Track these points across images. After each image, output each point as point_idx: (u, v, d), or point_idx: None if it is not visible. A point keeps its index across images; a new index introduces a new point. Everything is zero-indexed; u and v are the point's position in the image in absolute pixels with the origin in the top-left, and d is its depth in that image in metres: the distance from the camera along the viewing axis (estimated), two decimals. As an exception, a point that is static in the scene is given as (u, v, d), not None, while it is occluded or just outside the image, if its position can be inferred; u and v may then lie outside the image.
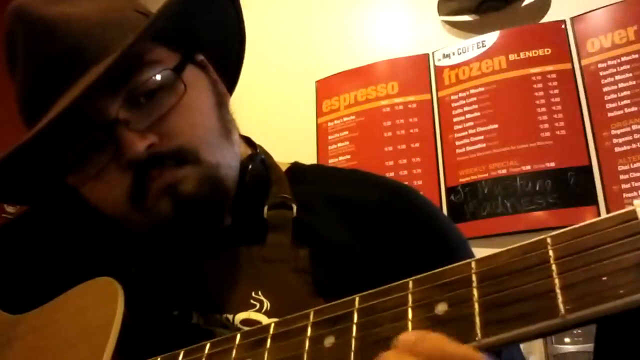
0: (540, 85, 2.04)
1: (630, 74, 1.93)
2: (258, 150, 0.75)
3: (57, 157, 0.62)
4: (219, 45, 0.71)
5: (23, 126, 0.66)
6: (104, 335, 0.56)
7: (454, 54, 2.20)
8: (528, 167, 1.97)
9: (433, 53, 2.24)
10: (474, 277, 0.39)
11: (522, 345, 0.72)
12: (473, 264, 0.40)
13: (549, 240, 0.38)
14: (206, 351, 0.50)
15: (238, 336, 0.49)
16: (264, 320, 0.59)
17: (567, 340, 1.64)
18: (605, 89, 1.95)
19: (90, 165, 0.61)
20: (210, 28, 0.69)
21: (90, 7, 0.62)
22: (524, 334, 0.36)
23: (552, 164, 1.95)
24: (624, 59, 1.95)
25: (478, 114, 2.10)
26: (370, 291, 0.44)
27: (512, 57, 2.11)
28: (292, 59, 2.49)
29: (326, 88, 2.39)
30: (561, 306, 0.35)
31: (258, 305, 0.60)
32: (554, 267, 0.37)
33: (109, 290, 0.60)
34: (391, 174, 2.12)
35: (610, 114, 1.92)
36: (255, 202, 0.67)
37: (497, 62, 2.12)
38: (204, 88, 0.67)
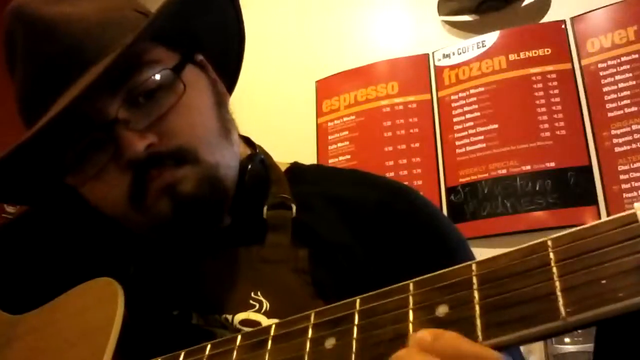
0: (540, 85, 2.04)
1: (630, 74, 1.93)
2: (257, 150, 0.75)
3: (57, 157, 0.62)
4: (218, 45, 0.71)
5: (23, 126, 0.66)
6: (104, 335, 0.56)
7: (454, 54, 2.20)
8: (528, 167, 1.97)
9: (433, 53, 2.24)
10: (474, 280, 0.39)
11: (521, 346, 0.72)
12: (474, 266, 0.40)
13: (549, 242, 0.38)
14: (207, 352, 0.50)
15: (239, 337, 0.49)
16: (263, 320, 0.59)
17: (567, 340, 1.64)
18: (605, 89, 1.95)
19: (89, 165, 0.61)
20: (209, 28, 0.69)
21: (89, 7, 0.62)
22: (525, 336, 0.36)
23: (552, 164, 1.95)
24: (624, 59, 1.95)
25: (478, 114, 2.10)
26: (371, 293, 0.44)
27: (512, 57, 2.11)
28: (292, 59, 2.49)
29: (326, 88, 2.39)
30: (562, 309, 0.35)
31: (257, 305, 0.60)
32: (554, 269, 0.37)
33: (109, 291, 0.60)
34: (391, 174, 2.12)
35: (610, 114, 1.92)
36: (254, 202, 0.67)
37: (497, 62, 2.12)
38: (204, 88, 0.67)
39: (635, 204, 0.36)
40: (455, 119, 2.13)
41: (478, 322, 0.38)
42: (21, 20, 0.62)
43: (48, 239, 0.75)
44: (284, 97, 2.45)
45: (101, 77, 0.56)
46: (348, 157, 2.25)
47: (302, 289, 0.61)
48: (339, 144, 2.28)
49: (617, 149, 1.88)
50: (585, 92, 1.98)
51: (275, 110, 2.43)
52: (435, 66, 2.23)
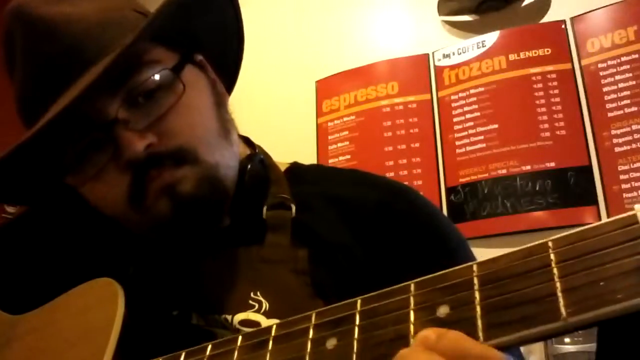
0: (540, 85, 2.04)
1: (630, 74, 1.93)
2: (257, 150, 0.75)
3: (56, 157, 0.62)
4: (217, 45, 0.71)
5: (22, 126, 0.66)
6: (104, 336, 0.56)
7: (454, 54, 2.20)
8: (528, 167, 1.97)
9: (433, 53, 2.24)
10: (475, 280, 0.39)
11: (522, 346, 0.72)
12: (475, 267, 0.40)
13: (550, 243, 0.38)
14: (207, 352, 0.50)
15: (240, 338, 0.49)
16: (263, 320, 0.59)
17: (567, 340, 1.64)
18: (605, 89, 1.95)
19: (89, 165, 0.61)
20: (209, 28, 0.69)
21: (89, 7, 0.62)
22: (526, 337, 0.36)
23: (552, 164, 1.95)
24: (624, 59, 1.95)
25: (478, 114, 2.10)
26: (372, 293, 0.44)
27: (512, 57, 2.11)
28: (292, 59, 2.49)
29: (326, 88, 2.39)
30: (562, 309, 0.35)
31: (257, 305, 0.60)
32: (555, 270, 0.37)
33: (109, 291, 0.60)
34: (391, 174, 2.12)
35: (610, 114, 1.92)
36: (254, 203, 0.67)
37: (497, 62, 2.12)
38: (203, 88, 0.67)
39: (636, 206, 0.36)
40: (455, 119, 2.13)
41: (479, 322, 0.38)
42: (21, 20, 0.62)
43: (48, 239, 0.75)
44: (284, 97, 2.45)
45: (101, 77, 0.56)
46: (348, 157, 2.25)
47: (301, 289, 0.61)
48: (339, 144, 2.28)
49: (617, 149, 1.88)
50: (585, 92, 1.98)
51: (275, 110, 2.43)
52: (435, 66, 2.23)
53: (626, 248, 0.35)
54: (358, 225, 0.66)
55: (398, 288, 0.43)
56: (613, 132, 1.90)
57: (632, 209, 0.36)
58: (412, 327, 0.40)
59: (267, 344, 0.46)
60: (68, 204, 0.69)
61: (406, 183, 0.94)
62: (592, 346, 1.55)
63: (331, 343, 0.43)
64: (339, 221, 0.67)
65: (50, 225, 0.76)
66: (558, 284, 0.36)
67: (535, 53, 2.08)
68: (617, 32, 1.99)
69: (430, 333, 0.38)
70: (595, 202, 1.87)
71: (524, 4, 2.18)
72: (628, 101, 1.91)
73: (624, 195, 1.84)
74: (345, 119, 2.30)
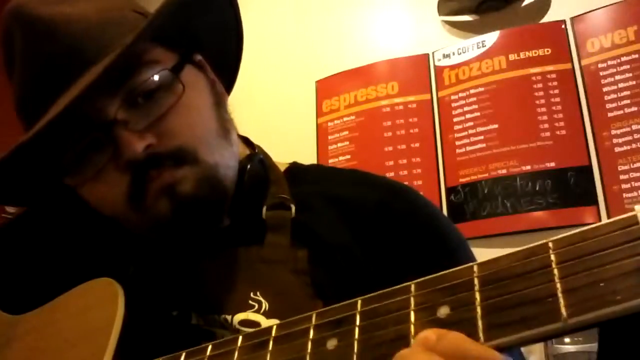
0: (540, 85, 2.04)
1: (630, 74, 1.93)
2: (256, 150, 0.75)
3: (56, 157, 0.62)
4: (217, 45, 0.71)
5: (21, 126, 0.66)
6: (104, 336, 0.56)
7: (454, 54, 2.20)
8: (528, 167, 1.97)
9: (433, 53, 2.24)
10: (476, 281, 0.39)
11: (522, 347, 0.72)
12: (475, 268, 0.40)
13: (550, 244, 0.38)
14: (208, 353, 0.50)
15: (240, 338, 0.49)
16: (262, 320, 0.59)
17: (567, 340, 1.64)
18: (605, 89, 1.95)
19: (88, 165, 0.61)
20: (208, 28, 0.69)
21: (88, 7, 0.62)
22: (526, 338, 0.36)
23: (552, 164, 1.95)
24: (624, 59, 1.95)
25: (478, 114, 2.10)
26: (372, 294, 0.44)
27: (512, 57, 2.11)
28: (292, 59, 2.49)
29: (326, 88, 2.39)
30: (563, 310, 0.35)
31: (256, 305, 0.60)
32: (555, 271, 0.37)
33: (110, 291, 0.60)
34: (391, 174, 2.12)
35: (610, 114, 1.92)
36: (253, 203, 0.67)
37: (497, 62, 2.12)
38: (202, 88, 0.67)
39: (636, 206, 0.36)
40: (455, 119, 2.13)
41: (479, 323, 0.38)
42: (20, 20, 0.62)
43: (48, 239, 0.75)
44: (284, 97, 2.45)
45: (101, 77, 0.56)
46: (348, 157, 2.25)
47: (301, 289, 0.61)
48: (339, 144, 2.28)
49: (617, 149, 1.88)
50: (585, 92, 1.98)
51: (275, 110, 2.43)
52: (435, 66, 2.23)
53: (626, 249, 0.35)
54: (358, 226, 0.66)
55: (398, 288, 0.43)
56: (613, 132, 1.90)
57: (632, 209, 0.36)
58: (412, 327, 0.40)
59: (267, 344, 0.46)
60: (68, 205, 0.69)
61: (406, 183, 0.94)
62: (592, 346, 1.55)
63: (332, 343, 0.43)
64: (338, 221, 0.67)
65: (50, 225, 0.76)
66: (558, 285, 0.36)
67: (535, 53, 2.08)
68: (617, 32, 1.99)
69: (430, 334, 0.38)
70: (595, 202, 1.87)
71: (524, 4, 2.18)
72: (628, 101, 1.91)
73: (624, 195, 1.84)
74: (345, 119, 2.30)
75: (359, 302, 0.44)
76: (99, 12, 0.62)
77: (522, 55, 2.09)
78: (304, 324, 0.46)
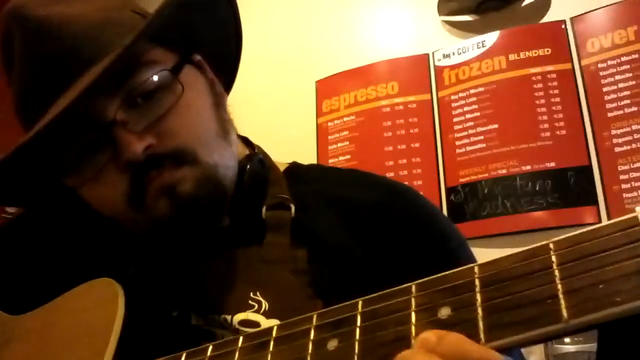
0: (540, 85, 2.04)
1: (630, 74, 1.93)
2: (256, 151, 0.75)
3: (56, 158, 0.62)
4: (216, 45, 0.71)
5: (20, 127, 0.66)
6: (104, 336, 0.56)
7: (454, 54, 2.20)
8: (528, 167, 1.97)
9: (433, 53, 2.24)
10: (477, 282, 0.39)
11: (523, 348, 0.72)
12: (476, 269, 0.40)
13: (551, 245, 0.38)
14: (209, 353, 0.50)
15: (241, 339, 0.49)
16: (262, 320, 0.59)
17: (567, 340, 1.64)
18: (605, 89, 1.95)
19: (88, 166, 0.61)
20: (207, 28, 0.69)
21: (87, 8, 0.62)
22: (527, 339, 0.36)
23: (552, 164, 1.95)
24: (624, 59, 1.95)
25: (478, 114, 2.10)
26: (373, 295, 0.44)
27: (512, 57, 2.11)
28: (292, 59, 2.49)
29: (326, 88, 2.39)
30: (564, 311, 0.35)
31: (256, 306, 0.60)
32: (556, 272, 0.37)
33: (110, 292, 0.60)
34: (391, 174, 2.12)
35: (610, 114, 1.92)
36: (253, 203, 0.67)
37: (497, 62, 2.12)
38: (202, 88, 0.67)
39: (637, 208, 0.36)
40: (455, 119, 2.13)
41: (480, 324, 0.38)
42: (19, 21, 0.61)
43: (48, 239, 0.74)
44: (284, 97, 2.45)
45: (101, 77, 0.56)
46: (348, 157, 2.25)
47: (300, 289, 0.61)
48: (339, 144, 2.28)
49: (617, 149, 1.88)
50: (585, 92, 1.98)
51: (275, 110, 2.43)
52: (435, 66, 2.23)
53: (627, 250, 0.35)
54: (357, 226, 0.66)
55: (399, 289, 0.43)
56: (613, 132, 1.90)
57: (632, 209, 0.36)
58: (413, 328, 0.40)
59: (268, 345, 0.46)
60: (68, 205, 0.69)
61: (406, 183, 0.94)
62: (592, 346, 1.55)
63: (332, 344, 0.43)
64: (338, 221, 0.67)
65: (50, 226, 0.76)
66: (559, 286, 0.36)
67: (535, 53, 2.08)
68: (617, 32, 1.99)
69: (430, 335, 0.38)
70: (595, 202, 1.87)
71: (524, 4, 2.18)
72: (628, 101, 1.91)
73: (624, 195, 1.84)
74: (345, 119, 2.30)
75: (360, 302, 0.44)
76: (98, 13, 0.62)
77: (522, 55, 2.09)
78: (305, 324, 0.46)
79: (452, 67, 2.19)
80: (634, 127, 1.88)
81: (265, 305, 0.60)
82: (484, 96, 2.11)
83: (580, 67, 2.01)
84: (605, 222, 0.37)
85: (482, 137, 2.07)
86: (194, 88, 0.65)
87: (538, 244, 0.39)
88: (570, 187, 1.90)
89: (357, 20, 2.43)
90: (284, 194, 0.68)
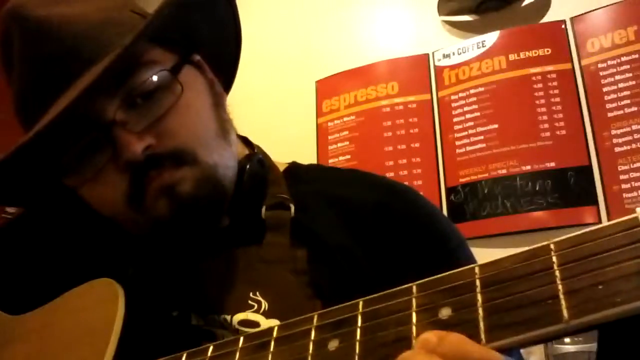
0: (540, 85, 2.04)
1: (630, 74, 1.93)
2: (256, 150, 0.75)
3: (56, 158, 0.62)
4: (215, 45, 0.71)
5: (19, 127, 0.66)
6: (104, 336, 0.56)
7: (454, 54, 2.20)
8: (528, 167, 1.97)
9: (433, 53, 2.24)
10: (477, 282, 0.39)
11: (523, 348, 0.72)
12: (477, 269, 0.40)
13: (552, 246, 0.38)
14: (209, 354, 0.50)
15: (241, 339, 0.49)
16: (262, 320, 0.59)
17: (567, 340, 1.64)
18: (605, 89, 1.95)
19: (88, 166, 0.61)
20: (206, 28, 0.69)
21: (87, 8, 0.62)
22: (528, 339, 0.36)
23: (552, 164, 1.95)
24: (624, 59, 1.95)
25: (478, 114, 2.10)
26: (374, 295, 0.44)
27: (512, 57, 2.10)
28: (292, 59, 2.49)
29: (326, 88, 2.39)
30: (565, 312, 0.35)
31: (256, 305, 0.60)
32: (557, 272, 0.37)
33: (110, 292, 0.60)
34: (391, 174, 2.12)
35: (610, 114, 1.92)
36: (253, 203, 0.67)
37: (497, 62, 2.12)
38: (201, 88, 0.67)
39: (638, 209, 0.36)
40: (455, 119, 2.13)
41: (481, 324, 0.38)
42: (18, 21, 0.61)
43: (48, 240, 0.74)
44: (284, 97, 2.45)
45: (101, 77, 0.56)
46: (348, 157, 2.25)
47: (300, 289, 0.61)
48: (339, 144, 2.28)
49: (617, 149, 1.88)
50: (585, 92, 1.98)
51: (275, 110, 2.43)
52: (435, 66, 2.23)
53: (628, 251, 0.35)
54: (357, 226, 0.66)
55: (400, 290, 0.43)
56: (613, 132, 1.90)
57: (632, 209, 0.36)
58: (414, 328, 0.40)
59: (268, 345, 0.46)
60: (67, 206, 0.69)
61: (406, 183, 0.94)
62: (592, 346, 1.55)
63: (333, 345, 0.43)
64: (338, 221, 0.67)
65: (50, 226, 0.76)
66: (560, 287, 0.36)
67: (535, 53, 2.08)
68: (617, 32, 1.99)
69: (431, 336, 0.38)
70: (595, 202, 1.87)
71: (524, 4, 2.18)
72: (628, 101, 1.91)
73: (624, 195, 1.84)
74: (345, 119, 2.30)
75: (361, 303, 0.44)
76: (98, 13, 0.62)
77: (522, 55, 2.09)
78: (306, 325, 0.46)
79: (452, 67, 2.19)
80: (634, 127, 1.88)
81: (264, 305, 0.60)
82: (484, 96, 2.11)
83: (580, 67, 2.01)
84: (605, 222, 0.37)
85: (482, 137, 2.07)
86: (193, 88, 0.65)
87: (538, 245, 0.39)
88: (570, 187, 1.90)
89: (357, 20, 2.43)
90: (283, 194, 0.68)
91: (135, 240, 0.67)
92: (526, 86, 2.05)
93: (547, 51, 2.07)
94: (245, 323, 0.59)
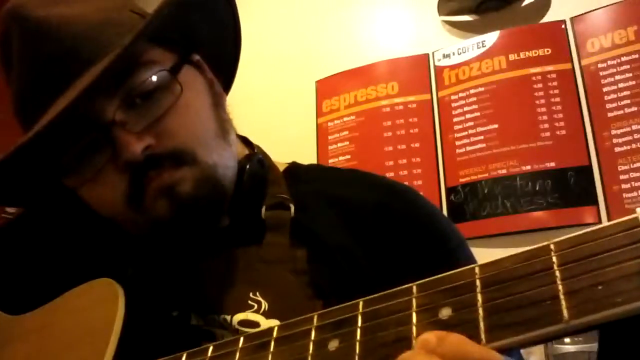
0: (540, 85, 2.04)
1: (630, 74, 1.93)
2: (255, 150, 0.75)
3: (55, 158, 0.62)
4: (215, 45, 0.71)
5: (19, 128, 0.66)
6: (104, 336, 0.56)
7: (454, 54, 2.20)
8: (528, 167, 1.97)
9: (433, 53, 2.24)
10: (478, 283, 0.39)
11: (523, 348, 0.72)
12: (477, 269, 0.40)
13: (552, 246, 0.38)
14: (209, 354, 0.50)
15: (241, 339, 0.49)
16: (262, 321, 0.59)
17: (567, 340, 1.64)
18: (605, 89, 1.95)
19: (87, 166, 0.61)
20: (206, 28, 0.69)
21: (86, 8, 0.62)
22: (528, 339, 0.36)
23: (552, 164, 1.95)
24: (624, 59, 1.95)
25: (478, 114, 2.10)
26: (374, 295, 0.44)
27: (512, 57, 2.10)
28: (292, 59, 2.49)
29: (326, 88, 2.39)
30: (565, 312, 0.35)
31: (256, 306, 0.60)
32: (557, 273, 0.37)
33: (110, 292, 0.60)
34: (391, 174, 2.12)
35: (610, 114, 1.92)
36: (252, 203, 0.67)
37: (497, 62, 2.12)
38: (201, 88, 0.67)
39: (638, 209, 0.36)
40: (455, 119, 2.13)
41: (481, 324, 0.38)
42: (17, 21, 0.61)
43: (48, 240, 0.74)
44: (284, 97, 2.45)
45: (100, 77, 0.56)
46: (348, 157, 2.25)
47: (300, 289, 0.61)
48: (339, 144, 2.28)
49: (617, 149, 1.88)
50: (585, 92, 1.98)
51: (275, 110, 2.43)
52: (435, 66, 2.23)
53: (628, 251, 0.35)
54: (357, 226, 0.66)
55: (400, 290, 0.43)
56: (613, 132, 1.90)
57: (632, 209, 0.36)
58: (414, 329, 0.40)
59: (268, 345, 0.46)
60: (67, 206, 0.69)
61: (406, 183, 0.94)
62: (592, 346, 1.55)
63: (333, 345, 0.43)
64: (338, 221, 0.67)
65: (50, 226, 0.76)
66: (560, 287, 0.36)
67: (535, 53, 2.08)
68: (617, 32, 1.99)
69: (430, 336, 0.38)
70: (595, 202, 1.87)
71: (524, 4, 2.18)
72: (628, 101, 1.91)
73: (624, 195, 1.84)
74: (345, 119, 2.30)
75: (361, 303, 0.44)
76: (97, 13, 0.62)
77: (522, 55, 2.09)
78: (306, 325, 0.46)
79: (452, 67, 2.19)
80: (634, 127, 1.88)
81: (264, 305, 0.60)
82: (484, 96, 2.11)
83: (580, 67, 2.01)
84: (605, 222, 0.37)
85: (482, 137, 2.07)
86: (192, 88, 0.65)
87: (539, 245, 0.39)
88: (570, 187, 1.90)
89: (357, 20, 2.43)
90: (283, 194, 0.68)
91: (135, 241, 0.67)
92: (526, 86, 2.05)
93: (547, 51, 2.07)
94: (245, 323, 0.59)
